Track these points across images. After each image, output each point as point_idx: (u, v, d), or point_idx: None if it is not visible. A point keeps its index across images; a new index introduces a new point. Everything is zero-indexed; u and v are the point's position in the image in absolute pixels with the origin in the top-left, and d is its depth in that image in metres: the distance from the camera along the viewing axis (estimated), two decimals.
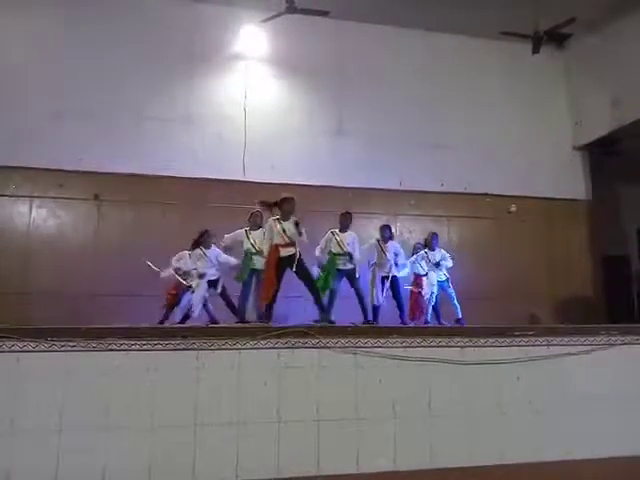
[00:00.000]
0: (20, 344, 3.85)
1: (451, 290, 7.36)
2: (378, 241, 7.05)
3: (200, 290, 6.59)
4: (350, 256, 6.59)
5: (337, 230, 6.75)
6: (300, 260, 5.60)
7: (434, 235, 7.53)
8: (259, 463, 4.02)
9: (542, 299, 9.22)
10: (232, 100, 8.99)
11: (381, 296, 6.82)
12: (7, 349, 3.83)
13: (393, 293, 6.93)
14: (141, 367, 4.00)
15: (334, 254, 6.59)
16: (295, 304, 6.53)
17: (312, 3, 8.35)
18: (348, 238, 6.68)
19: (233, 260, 6.82)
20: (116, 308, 7.33)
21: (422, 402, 4.39)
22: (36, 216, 8.03)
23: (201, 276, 6.63)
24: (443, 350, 4.54)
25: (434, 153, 9.38)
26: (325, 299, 6.23)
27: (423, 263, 7.35)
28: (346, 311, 6.64)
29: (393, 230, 7.53)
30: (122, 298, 7.58)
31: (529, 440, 4.47)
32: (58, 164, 8.00)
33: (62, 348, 3.92)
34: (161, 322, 6.57)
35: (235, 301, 6.79)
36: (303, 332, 4.35)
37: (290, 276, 5.70)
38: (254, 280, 6.66)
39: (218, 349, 4.16)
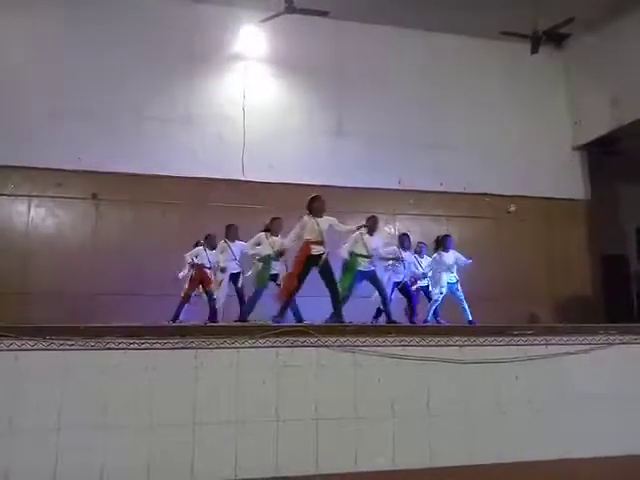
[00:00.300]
0: (18, 342, 3.84)
1: (460, 293, 7.25)
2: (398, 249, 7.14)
3: (223, 284, 6.72)
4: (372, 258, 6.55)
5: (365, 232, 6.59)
6: (327, 260, 5.63)
7: (447, 237, 7.42)
8: (258, 462, 4.01)
9: (541, 298, 9.23)
10: (232, 100, 9.01)
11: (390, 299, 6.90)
12: (5, 347, 3.82)
13: (407, 297, 7.03)
14: (139, 366, 3.99)
15: (357, 255, 6.54)
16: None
17: (311, 3, 8.36)
18: (375, 241, 6.62)
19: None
20: (115, 307, 7.34)
21: (421, 401, 4.38)
22: (35, 215, 8.04)
23: (223, 270, 6.71)
24: (442, 349, 4.53)
25: (434, 153, 9.40)
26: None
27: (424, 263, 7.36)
28: (352, 311, 6.62)
29: (393, 230, 7.54)
30: (121, 297, 7.60)
31: (528, 439, 4.46)
32: (57, 163, 8.01)
33: (60, 347, 3.91)
34: (175, 319, 6.80)
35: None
36: (302, 331, 4.34)
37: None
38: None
39: (217, 348, 4.15)
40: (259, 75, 9.24)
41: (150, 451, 3.87)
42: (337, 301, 5.71)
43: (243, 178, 8.65)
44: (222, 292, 6.79)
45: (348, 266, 6.40)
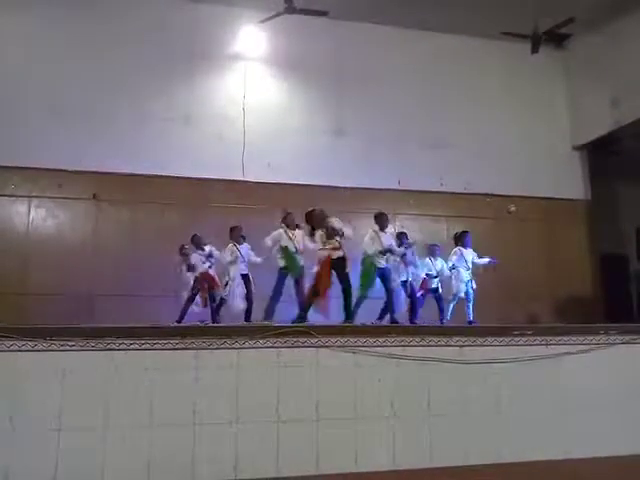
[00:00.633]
0: (19, 343, 3.84)
1: (471, 291, 7.28)
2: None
3: (236, 283, 6.75)
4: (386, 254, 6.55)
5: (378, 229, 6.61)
6: (344, 262, 5.83)
7: (466, 233, 7.41)
8: (258, 462, 4.02)
9: (541, 298, 9.23)
10: (231, 100, 9.00)
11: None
12: (6, 348, 3.83)
13: (410, 296, 7.03)
14: (140, 366, 4.00)
15: (376, 252, 6.45)
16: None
17: (311, 3, 8.36)
18: (388, 238, 6.62)
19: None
20: (115, 308, 7.34)
21: (421, 401, 4.38)
22: (35, 216, 8.03)
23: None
24: (442, 349, 4.54)
25: (434, 153, 9.39)
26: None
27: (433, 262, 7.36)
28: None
29: (392, 230, 7.49)
30: (121, 298, 7.59)
31: (528, 439, 4.47)
32: (57, 164, 8.00)
33: (61, 347, 3.91)
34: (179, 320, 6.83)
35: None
36: (302, 331, 4.34)
37: None
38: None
39: (217, 348, 4.15)
40: (259, 75, 9.24)
41: (150, 451, 3.88)
42: (349, 304, 5.85)
43: (243, 178, 8.65)
44: (233, 293, 6.74)
45: (367, 264, 6.41)
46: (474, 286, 7.29)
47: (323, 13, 8.52)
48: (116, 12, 8.65)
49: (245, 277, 6.95)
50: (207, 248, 7.16)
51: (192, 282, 7.14)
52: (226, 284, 6.84)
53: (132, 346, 4.02)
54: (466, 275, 7.22)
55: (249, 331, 4.37)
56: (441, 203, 9.43)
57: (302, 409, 4.16)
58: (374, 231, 6.51)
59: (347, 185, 8.89)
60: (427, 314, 7.37)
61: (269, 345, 4.23)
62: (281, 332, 4.29)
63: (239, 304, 6.74)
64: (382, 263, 6.47)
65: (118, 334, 4.05)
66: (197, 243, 7.24)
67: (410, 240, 7.09)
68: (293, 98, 9.30)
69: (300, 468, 4.05)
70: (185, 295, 7.16)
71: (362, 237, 6.61)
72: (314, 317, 5.88)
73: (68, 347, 3.93)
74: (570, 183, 10.01)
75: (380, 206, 9.06)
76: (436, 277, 7.34)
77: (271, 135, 8.94)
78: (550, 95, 10.23)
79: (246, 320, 6.54)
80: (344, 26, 9.29)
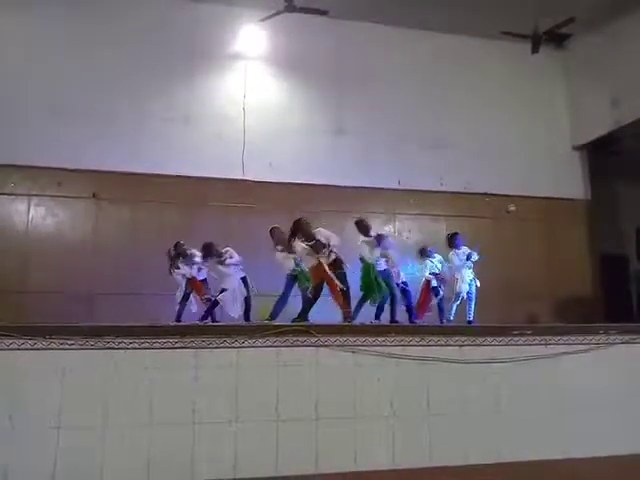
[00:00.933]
0: (18, 342, 3.84)
1: (473, 290, 7.25)
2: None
3: (231, 292, 6.62)
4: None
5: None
6: (339, 263, 5.85)
7: (456, 234, 7.41)
8: (257, 461, 4.02)
9: (541, 298, 9.22)
10: (231, 99, 9.00)
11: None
12: (5, 347, 3.83)
13: (404, 296, 7.01)
14: (139, 365, 4.00)
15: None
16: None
17: (311, 2, 8.36)
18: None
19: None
20: (115, 306, 7.34)
21: (421, 400, 4.38)
22: (34, 214, 8.03)
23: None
24: (442, 349, 4.54)
25: (434, 153, 9.39)
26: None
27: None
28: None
29: (393, 230, 7.54)
30: (121, 296, 7.59)
31: (527, 439, 4.47)
32: (57, 162, 8.00)
33: (60, 346, 3.91)
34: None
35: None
36: (302, 330, 4.34)
37: None
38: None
39: (216, 347, 4.15)
40: (259, 74, 9.23)
41: (150, 450, 3.88)
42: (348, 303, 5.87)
43: (243, 177, 8.65)
44: (229, 302, 6.67)
45: (367, 269, 6.38)
46: (478, 284, 7.28)
47: (323, 12, 8.51)
48: (116, 12, 8.64)
49: (242, 280, 6.76)
50: (196, 255, 7.00)
51: (184, 283, 7.10)
52: (222, 291, 6.61)
53: (131, 345, 4.02)
54: (469, 274, 7.23)
55: (249, 330, 4.37)
56: (441, 203, 9.43)
57: (301, 408, 4.16)
58: (365, 241, 6.51)
59: (347, 185, 8.89)
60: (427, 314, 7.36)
61: (269, 344, 4.23)
62: (281, 331, 4.29)
63: (236, 312, 6.59)
64: (382, 265, 6.51)
65: (117, 333, 4.05)
66: (181, 253, 7.06)
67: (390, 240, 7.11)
68: (293, 98, 9.30)
69: (299, 467, 4.05)
70: (178, 295, 7.10)
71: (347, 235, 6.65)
72: (314, 317, 5.90)
73: (67, 346, 3.93)
74: (570, 183, 10.01)
75: (380, 206, 9.15)
76: (437, 275, 7.33)
77: (271, 135, 8.93)
78: (550, 95, 10.23)
79: (245, 320, 6.52)
80: (344, 25, 9.29)
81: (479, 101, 9.73)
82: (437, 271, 7.31)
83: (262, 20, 8.60)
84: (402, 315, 7.00)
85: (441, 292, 7.28)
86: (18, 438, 3.72)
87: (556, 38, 9.38)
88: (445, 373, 4.48)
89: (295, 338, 4.28)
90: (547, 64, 9.99)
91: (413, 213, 9.36)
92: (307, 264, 6.07)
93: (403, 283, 6.97)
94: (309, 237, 5.92)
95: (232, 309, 6.51)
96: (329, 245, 5.82)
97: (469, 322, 7.09)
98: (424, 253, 7.42)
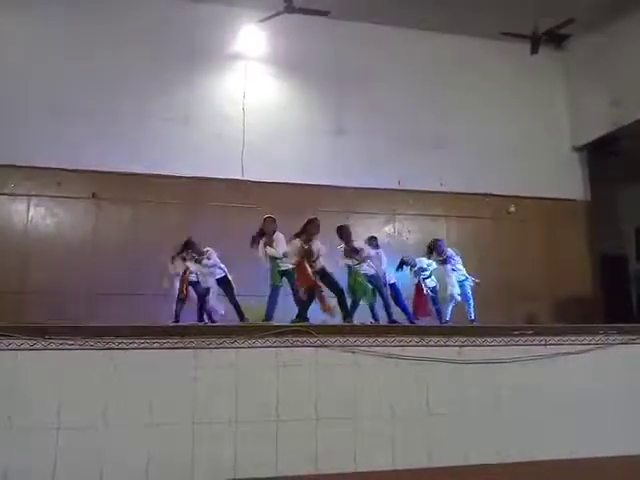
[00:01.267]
0: (18, 342, 3.84)
1: (468, 290, 7.29)
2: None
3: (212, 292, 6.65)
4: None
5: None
6: (325, 270, 5.89)
7: (438, 241, 7.44)
8: (257, 461, 4.01)
9: (541, 298, 9.23)
10: (231, 99, 9.00)
11: None
12: (5, 347, 3.82)
13: (395, 298, 7.05)
14: (139, 365, 4.00)
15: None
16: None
17: (311, 3, 8.36)
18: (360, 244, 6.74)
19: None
20: (114, 307, 7.34)
21: (420, 401, 4.38)
22: (34, 214, 8.03)
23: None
24: (441, 349, 4.53)
25: (433, 153, 9.39)
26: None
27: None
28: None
29: (393, 230, 7.56)
30: (120, 297, 7.59)
31: (527, 439, 4.47)
32: (57, 163, 8.00)
33: (60, 346, 3.91)
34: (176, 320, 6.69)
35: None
36: (302, 331, 4.34)
37: None
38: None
39: (216, 348, 4.15)
40: (259, 75, 9.23)
41: (150, 450, 3.87)
42: (344, 303, 5.93)
43: (242, 178, 8.65)
44: (213, 297, 6.68)
45: (353, 274, 6.44)
46: (472, 283, 7.27)
47: (323, 13, 8.51)
48: (116, 12, 8.65)
49: (221, 281, 6.70)
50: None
51: (178, 283, 7.08)
52: (207, 290, 6.65)
53: (131, 345, 4.01)
54: (458, 277, 7.22)
55: (248, 330, 4.36)
56: (441, 203, 9.43)
57: (301, 408, 4.16)
58: (344, 249, 6.52)
59: (347, 185, 8.90)
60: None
61: (268, 344, 4.22)
62: (280, 331, 4.29)
63: (218, 311, 6.67)
64: (370, 270, 6.59)
65: (117, 333, 4.04)
66: (196, 250, 6.91)
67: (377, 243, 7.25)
68: (293, 98, 9.30)
69: (299, 467, 4.05)
70: (173, 295, 7.08)
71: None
72: (314, 317, 5.90)
73: (67, 346, 3.92)
74: (570, 183, 10.02)
75: (380, 206, 9.16)
76: (429, 277, 7.33)
77: (271, 135, 8.93)
78: (550, 95, 10.23)
79: (239, 320, 6.49)
80: (344, 26, 9.29)
81: (479, 101, 9.73)
82: (425, 276, 7.32)
83: (262, 21, 8.60)
84: (401, 316, 7.02)
85: (430, 293, 7.28)
86: (18, 438, 3.72)
87: (556, 38, 9.38)
88: (445, 373, 4.47)
89: (295, 338, 4.27)
90: (547, 64, 9.99)
91: (413, 213, 9.36)
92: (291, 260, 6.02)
93: (391, 285, 7.00)
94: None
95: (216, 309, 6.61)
96: (318, 256, 5.84)
97: (471, 321, 7.10)
98: (406, 264, 7.34)
